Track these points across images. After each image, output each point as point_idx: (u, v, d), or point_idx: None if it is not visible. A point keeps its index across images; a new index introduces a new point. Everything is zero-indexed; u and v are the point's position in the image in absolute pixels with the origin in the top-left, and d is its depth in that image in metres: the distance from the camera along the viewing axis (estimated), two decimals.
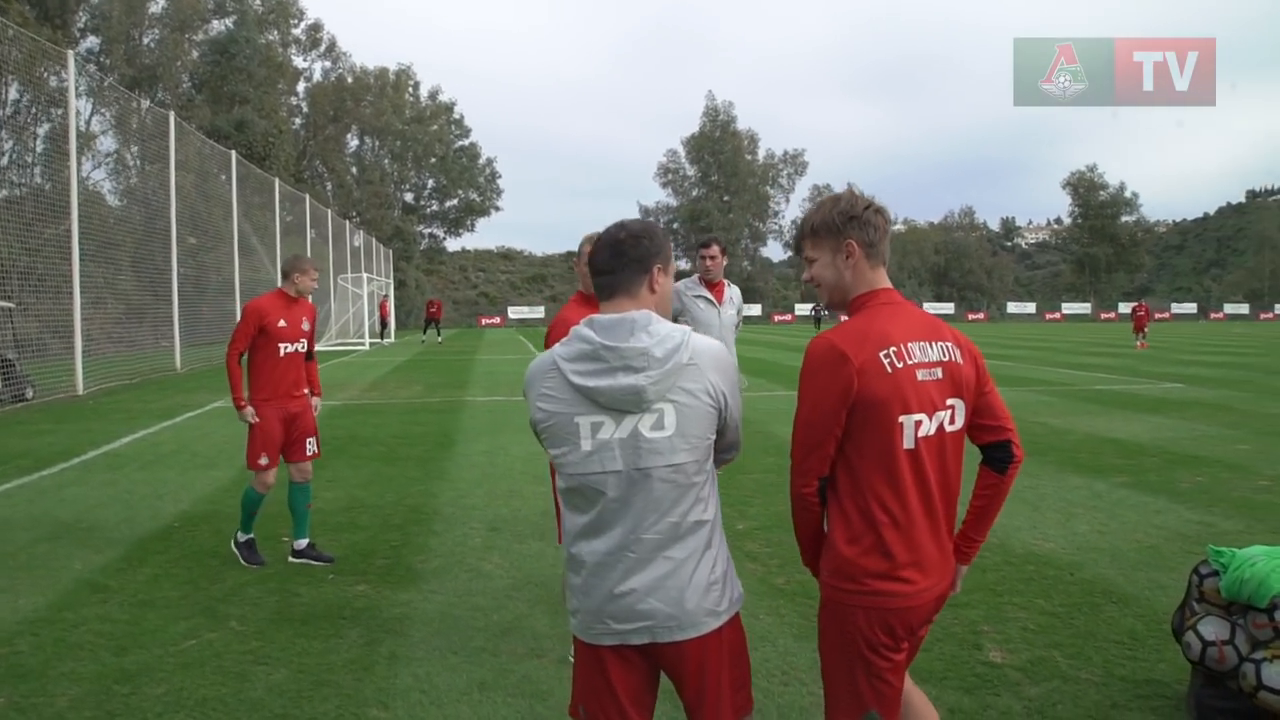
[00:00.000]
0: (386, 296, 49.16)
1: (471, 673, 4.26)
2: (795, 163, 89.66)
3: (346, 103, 70.04)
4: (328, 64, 69.79)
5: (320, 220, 42.31)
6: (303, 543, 6.12)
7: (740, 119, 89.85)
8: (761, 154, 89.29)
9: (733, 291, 6.35)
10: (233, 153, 28.88)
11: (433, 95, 79.18)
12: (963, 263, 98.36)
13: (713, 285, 6.00)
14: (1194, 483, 8.58)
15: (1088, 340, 41.35)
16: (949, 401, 2.36)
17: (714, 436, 2.25)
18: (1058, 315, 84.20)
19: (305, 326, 6.08)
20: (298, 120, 67.30)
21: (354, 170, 74.38)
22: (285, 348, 5.93)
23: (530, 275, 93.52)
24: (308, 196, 40.21)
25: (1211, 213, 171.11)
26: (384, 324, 44.10)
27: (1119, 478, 8.79)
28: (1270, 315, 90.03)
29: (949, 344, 2.40)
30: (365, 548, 6.43)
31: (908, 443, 2.28)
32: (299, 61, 65.86)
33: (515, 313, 76.01)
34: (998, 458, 2.49)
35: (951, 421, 2.37)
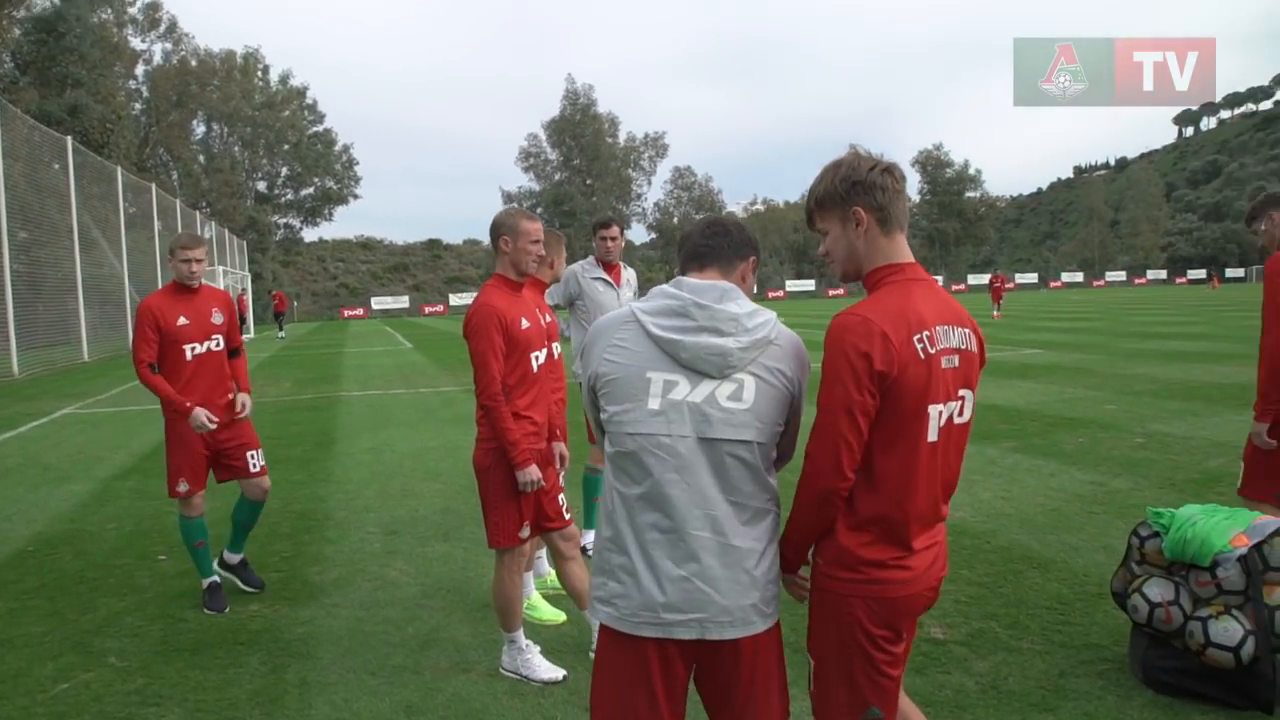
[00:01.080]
0: (244, 290, 46.99)
1: (395, 695, 3.87)
2: (656, 145, 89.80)
3: (191, 87, 66.02)
4: (168, 46, 65.64)
5: (168, 211, 39.78)
6: (236, 557, 5.37)
7: (600, 102, 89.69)
8: (623, 137, 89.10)
9: (629, 274, 6.21)
10: (68, 139, 26.65)
11: (284, 80, 75.80)
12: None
13: (610, 267, 5.80)
14: (1076, 444, 8.89)
15: None
16: (961, 391, 2.20)
17: (780, 424, 2.13)
18: None
19: (217, 319, 5.08)
20: (138, 105, 63.02)
21: (201, 158, 70.42)
22: (193, 349, 4.95)
23: (392, 265, 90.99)
24: (154, 186, 37.68)
25: (1045, 188, 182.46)
26: (241, 319, 41.99)
27: (1008, 443, 9.02)
28: (1102, 282, 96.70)
29: (968, 331, 2.23)
30: (253, 560, 5.83)
31: (931, 435, 2.12)
32: (137, 43, 61.63)
33: (379, 303, 73.85)
34: None
35: (960, 414, 2.21)
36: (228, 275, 41.80)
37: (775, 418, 2.11)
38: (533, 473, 3.79)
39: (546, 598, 4.91)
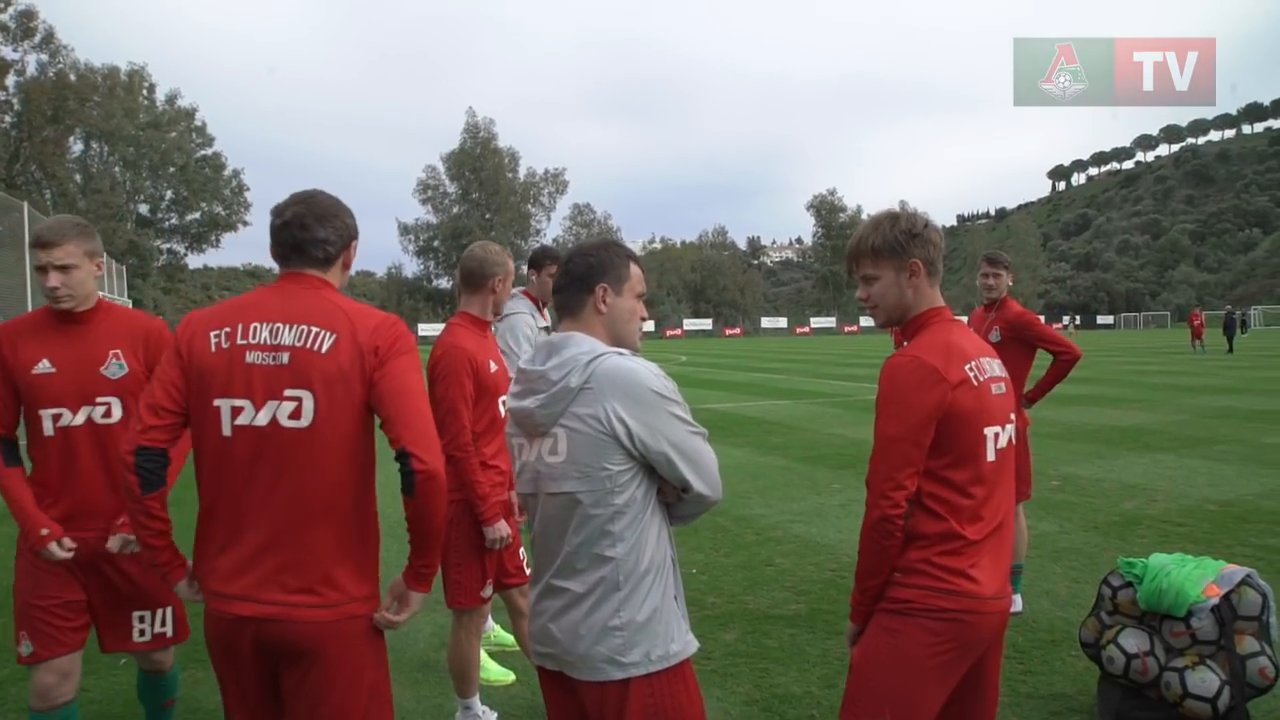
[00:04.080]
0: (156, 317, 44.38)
1: None
2: (556, 181, 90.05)
3: (69, 102, 62.61)
4: (44, 57, 62.25)
5: None
6: None
7: (501, 137, 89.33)
8: (523, 172, 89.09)
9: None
10: None
11: (170, 100, 72.61)
12: (718, 280, 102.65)
13: (543, 308, 5.45)
14: None
15: (845, 352, 44.25)
16: (1011, 416, 2.46)
17: (619, 468, 2.06)
18: (807, 329, 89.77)
19: (114, 371, 3.11)
20: (8, 118, 59.57)
21: (78, 177, 66.84)
22: (58, 419, 3.03)
23: None
24: (25, 205, 35.47)
25: None
26: None
27: None
28: None
29: (999, 362, 2.49)
30: None
31: (990, 455, 2.33)
32: (8, 51, 58.34)
33: None
34: None
35: (1011, 439, 2.44)
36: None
37: (595, 461, 2.06)
38: (502, 529, 3.53)
39: (493, 655, 4.58)
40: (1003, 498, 2.39)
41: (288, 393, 2.17)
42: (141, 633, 3.21)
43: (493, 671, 4.38)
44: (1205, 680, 3.59)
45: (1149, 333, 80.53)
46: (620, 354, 2.14)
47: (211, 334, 2.22)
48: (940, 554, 2.28)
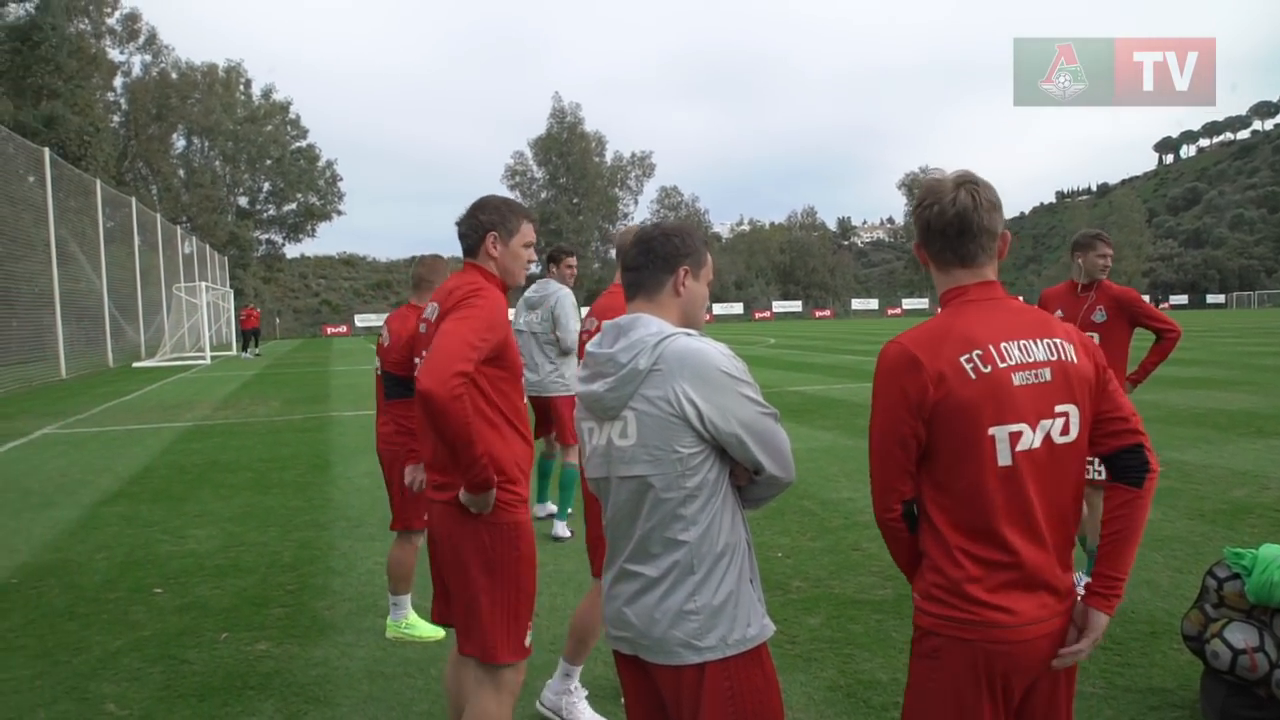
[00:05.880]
0: (254, 305, 45.76)
1: None
2: (643, 164, 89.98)
3: (171, 100, 65.27)
4: (148, 58, 64.90)
5: (148, 226, 39.24)
6: None
7: (588, 120, 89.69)
8: (610, 156, 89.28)
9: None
10: (45, 150, 26.16)
11: (266, 94, 75.19)
12: (807, 261, 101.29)
13: None
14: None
15: None
16: (1060, 408, 2.00)
17: (690, 450, 2.04)
18: (899, 310, 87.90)
19: None
20: (116, 118, 62.33)
21: (182, 173, 69.63)
22: None
23: (375, 282, 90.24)
24: (134, 200, 37.15)
25: (1027, 212, 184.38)
26: (250, 335, 39.29)
27: None
28: None
29: (1059, 340, 2.05)
30: (256, 595, 5.54)
31: (1003, 458, 1.96)
32: (115, 54, 60.95)
33: (363, 320, 73.00)
34: (1129, 466, 2.05)
35: (1064, 432, 2.00)
36: (211, 291, 41.12)
37: (666, 444, 2.05)
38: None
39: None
40: (1038, 505, 2.01)
41: None
42: None
43: (423, 629, 4.72)
44: None
45: (1263, 312, 76.44)
46: (689, 334, 2.11)
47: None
48: (955, 580, 1.98)
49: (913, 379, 1.97)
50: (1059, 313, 5.40)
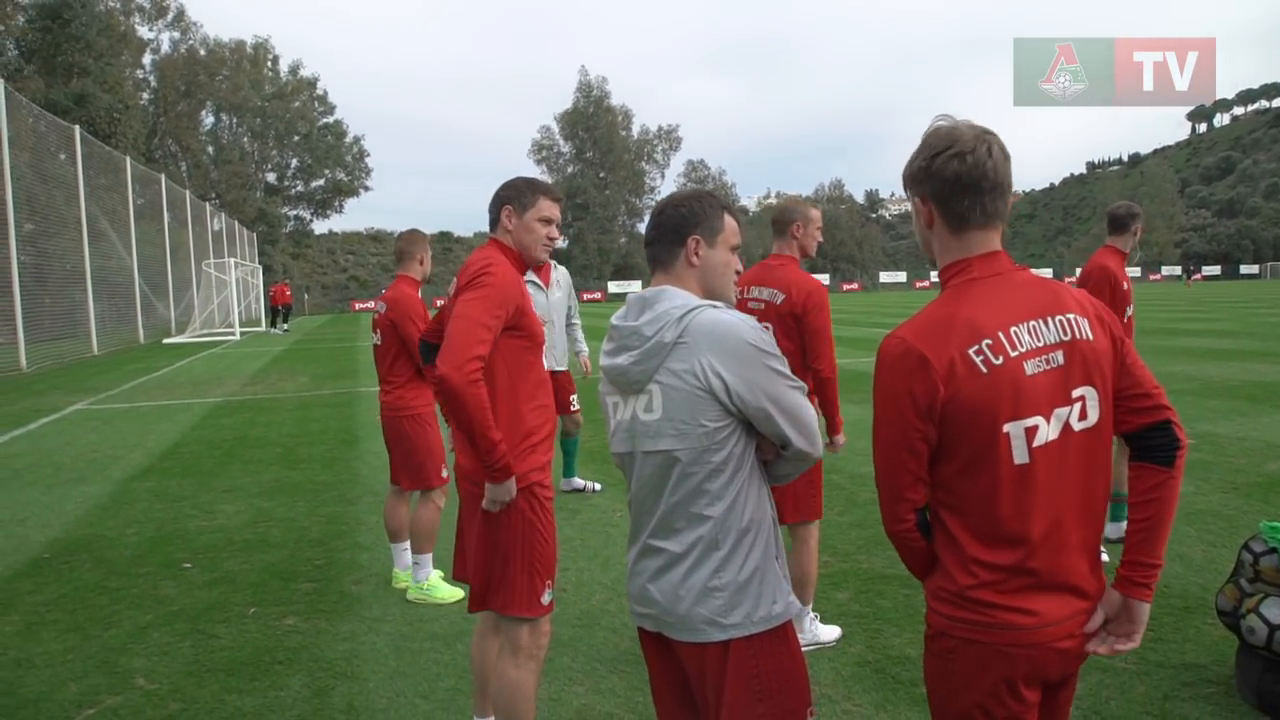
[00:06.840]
0: (286, 281, 46.00)
1: None
2: (670, 138, 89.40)
3: (200, 77, 65.63)
4: (176, 35, 65.20)
5: (177, 203, 39.60)
6: None
7: (614, 95, 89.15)
8: (636, 130, 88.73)
9: (560, 274, 6.32)
10: (75, 128, 26.39)
11: (293, 70, 75.45)
12: (835, 234, 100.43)
13: (539, 268, 5.52)
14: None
15: None
16: (1077, 392, 1.82)
17: (716, 424, 2.00)
18: (926, 284, 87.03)
19: None
20: (145, 95, 62.73)
21: (210, 149, 70.09)
22: None
23: None
24: (163, 177, 37.44)
25: (1057, 183, 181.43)
26: (280, 310, 39.34)
27: None
28: None
29: (1071, 316, 1.85)
30: (284, 570, 5.59)
31: (1019, 456, 1.78)
32: (144, 31, 61.27)
33: None
34: (1157, 445, 1.88)
35: (1082, 416, 1.83)
36: (240, 267, 41.45)
37: (692, 418, 2.02)
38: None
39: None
40: (1059, 502, 1.84)
41: None
42: None
43: (443, 590, 4.87)
44: None
45: None
46: (715, 307, 2.06)
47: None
48: (967, 585, 1.83)
49: (921, 379, 1.79)
50: (1126, 285, 5.40)
